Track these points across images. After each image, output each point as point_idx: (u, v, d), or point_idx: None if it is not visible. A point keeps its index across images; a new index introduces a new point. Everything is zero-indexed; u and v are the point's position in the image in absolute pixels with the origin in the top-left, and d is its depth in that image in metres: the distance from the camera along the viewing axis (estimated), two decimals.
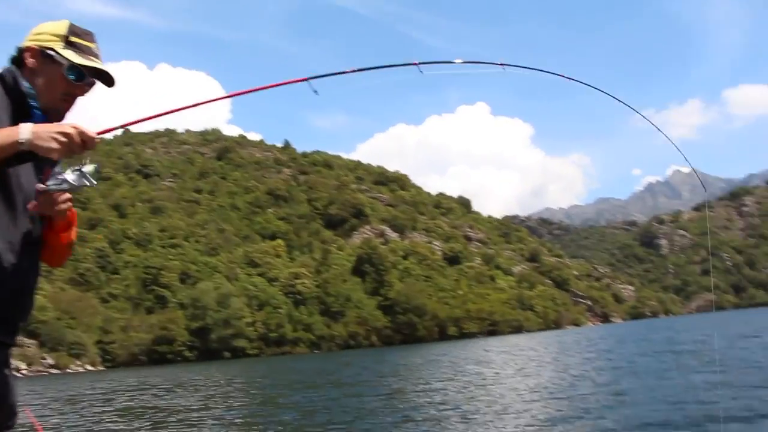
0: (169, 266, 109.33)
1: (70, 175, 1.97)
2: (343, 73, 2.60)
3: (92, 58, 2.17)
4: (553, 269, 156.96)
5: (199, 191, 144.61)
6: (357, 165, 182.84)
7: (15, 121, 2.04)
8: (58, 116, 2.20)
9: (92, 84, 2.21)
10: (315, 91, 2.48)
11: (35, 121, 2.07)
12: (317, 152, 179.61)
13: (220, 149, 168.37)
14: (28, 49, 2.14)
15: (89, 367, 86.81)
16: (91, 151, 1.99)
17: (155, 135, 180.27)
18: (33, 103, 2.12)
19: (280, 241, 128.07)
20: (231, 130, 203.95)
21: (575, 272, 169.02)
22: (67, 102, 2.19)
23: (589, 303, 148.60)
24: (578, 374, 18.51)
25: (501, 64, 2.94)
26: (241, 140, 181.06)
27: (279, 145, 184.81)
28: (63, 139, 1.88)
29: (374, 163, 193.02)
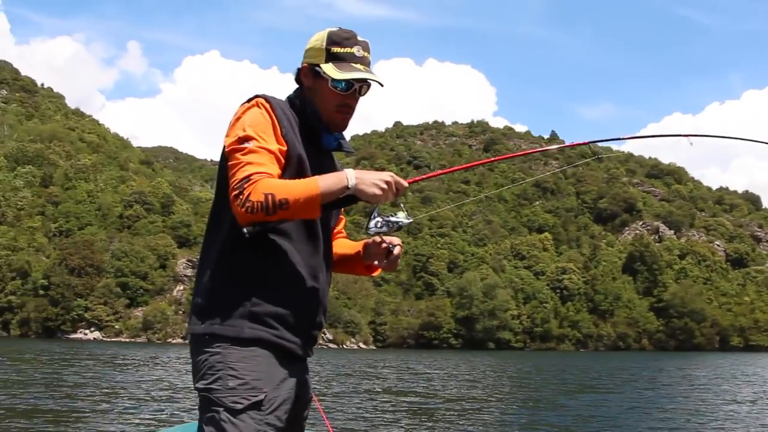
0: (438, 255, 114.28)
1: (389, 219, 2.10)
2: (619, 139, 2.92)
3: (354, 63, 2.16)
4: None
5: (466, 182, 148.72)
6: (628, 157, 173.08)
7: (307, 142, 2.16)
8: (339, 128, 2.26)
9: (365, 87, 2.23)
10: (597, 155, 2.79)
11: (324, 140, 2.23)
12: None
13: (486, 141, 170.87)
14: (302, 68, 2.23)
15: (362, 345, 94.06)
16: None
17: (424, 127, 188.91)
18: (318, 123, 2.22)
19: (547, 235, 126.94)
20: (497, 122, 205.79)
21: None
22: (342, 113, 2.22)
23: None
24: None
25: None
26: (508, 132, 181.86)
27: (546, 136, 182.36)
28: (384, 186, 2.01)
29: (646, 155, 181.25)
